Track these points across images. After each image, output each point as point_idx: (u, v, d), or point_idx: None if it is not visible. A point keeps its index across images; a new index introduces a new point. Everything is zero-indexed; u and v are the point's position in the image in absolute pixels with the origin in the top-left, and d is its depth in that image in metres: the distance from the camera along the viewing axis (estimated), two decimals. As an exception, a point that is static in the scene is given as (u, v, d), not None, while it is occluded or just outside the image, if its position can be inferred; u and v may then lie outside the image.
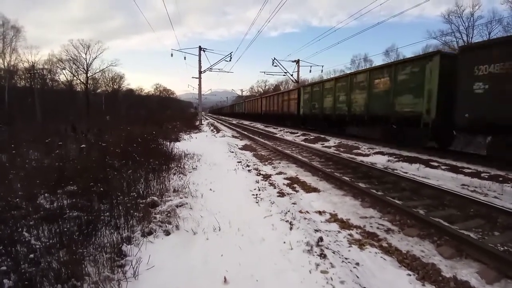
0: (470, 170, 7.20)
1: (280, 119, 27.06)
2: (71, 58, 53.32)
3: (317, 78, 46.59)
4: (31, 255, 2.69)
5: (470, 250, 3.32)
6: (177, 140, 13.59)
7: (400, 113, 11.00)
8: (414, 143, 10.44)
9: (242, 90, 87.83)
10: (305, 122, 21.00)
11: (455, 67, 8.71)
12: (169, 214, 4.07)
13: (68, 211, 3.74)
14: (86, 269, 2.62)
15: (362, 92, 13.34)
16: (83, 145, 7.28)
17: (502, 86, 7.40)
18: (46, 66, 50.47)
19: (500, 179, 6.40)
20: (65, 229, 3.22)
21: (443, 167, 7.71)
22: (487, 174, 6.77)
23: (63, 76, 54.54)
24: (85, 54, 54.73)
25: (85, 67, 55.32)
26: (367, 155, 10.10)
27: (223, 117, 70.85)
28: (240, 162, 8.63)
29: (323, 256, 3.06)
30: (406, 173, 7.35)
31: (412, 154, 9.52)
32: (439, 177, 7.02)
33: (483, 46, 8.21)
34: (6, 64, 43.16)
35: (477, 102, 8.02)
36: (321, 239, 3.41)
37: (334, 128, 16.97)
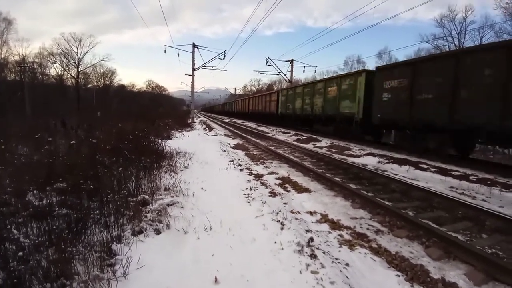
0: (458, 173, 7.30)
1: (263, 117, 30.34)
2: (62, 52, 52.57)
3: (310, 78, 47.08)
4: (20, 253, 2.66)
5: (458, 252, 3.38)
6: (169, 137, 13.51)
7: (343, 113, 14.48)
8: (352, 136, 13.87)
9: (235, 89, 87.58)
10: (282, 120, 24.25)
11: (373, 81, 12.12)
12: (160, 213, 4.05)
13: (57, 208, 3.70)
14: (75, 268, 2.60)
15: (320, 97, 16.91)
16: (73, 141, 7.19)
17: (398, 96, 10.55)
18: (36, 60, 49.65)
19: (488, 182, 6.51)
20: (54, 227, 3.18)
21: (432, 169, 7.82)
22: (476, 177, 6.88)
23: (54, 70, 53.74)
24: (77, 48, 54.01)
25: (76, 61, 54.60)
26: (358, 156, 10.18)
27: (216, 115, 70.67)
28: (232, 161, 8.62)
29: (313, 256, 3.08)
30: (396, 174, 7.43)
31: (402, 156, 9.62)
32: (428, 179, 7.11)
33: (389, 67, 11.92)
34: (-4, 56, 42.44)
35: (384, 107, 11.29)
36: (311, 239, 3.43)
37: (303, 125, 20.71)
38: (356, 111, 13.27)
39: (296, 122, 21.52)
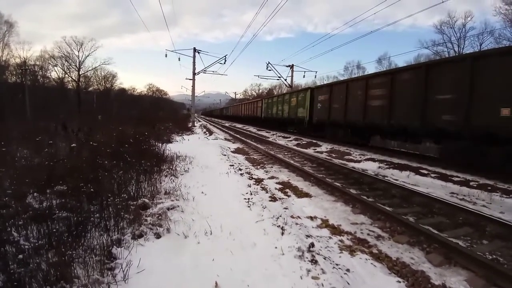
0: (459, 179, 7.30)
1: (252, 120, 36.91)
2: (63, 55, 52.77)
3: (310, 83, 47.37)
4: (20, 256, 2.65)
5: (459, 258, 3.37)
6: (169, 141, 13.52)
7: (299, 117, 20.45)
8: (305, 133, 19.58)
9: (235, 93, 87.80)
10: (264, 122, 30.14)
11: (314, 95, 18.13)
12: (160, 217, 4.04)
13: (57, 211, 3.69)
14: (75, 271, 2.59)
15: (287, 105, 22.97)
16: (73, 144, 7.19)
17: (326, 105, 16.29)
18: (38, 63, 49.81)
19: (489, 188, 6.50)
20: (54, 230, 3.17)
21: (432, 175, 7.82)
22: (476, 183, 6.88)
23: (55, 73, 53.89)
24: (78, 52, 54.23)
25: (78, 65, 54.79)
26: (359, 161, 10.18)
27: (216, 119, 71.03)
28: (233, 165, 8.62)
29: (314, 262, 3.07)
30: (396, 180, 7.42)
31: (403, 161, 9.62)
32: (429, 184, 7.10)
33: (320, 87, 18.52)
34: (-2, 59, 42.55)
35: (318, 112, 17.36)
36: (312, 244, 3.42)
37: (280, 126, 25.66)
38: (306, 115, 19.16)
39: (274, 124, 27.10)
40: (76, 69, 54.84)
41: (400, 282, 2.95)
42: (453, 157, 8.85)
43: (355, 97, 13.33)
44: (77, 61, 54.53)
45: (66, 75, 54.78)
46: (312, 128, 18.63)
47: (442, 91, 9.00)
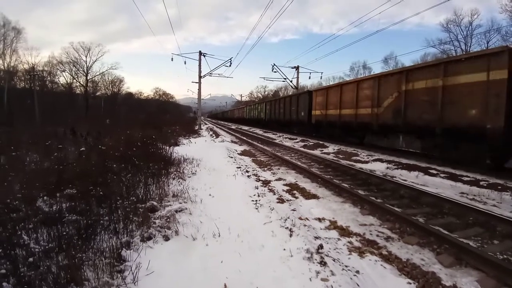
0: (469, 178, 7.21)
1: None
2: (71, 61, 53.54)
3: (316, 85, 47.44)
4: (30, 259, 2.68)
5: (469, 259, 3.32)
6: (177, 144, 13.59)
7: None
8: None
9: (241, 96, 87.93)
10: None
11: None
12: (168, 219, 4.06)
13: (67, 214, 3.73)
14: (85, 273, 2.61)
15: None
16: (82, 148, 7.27)
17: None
18: (46, 68, 50.60)
19: (499, 187, 6.41)
20: (64, 233, 3.21)
21: (442, 175, 7.73)
22: (486, 183, 6.78)
23: (63, 78, 54.72)
24: (85, 57, 54.99)
25: (85, 70, 55.50)
26: (366, 162, 10.11)
27: (222, 122, 71.43)
28: (240, 167, 8.62)
29: (323, 263, 3.05)
30: (405, 180, 7.36)
31: (411, 161, 9.53)
32: (438, 185, 7.03)
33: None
34: (6, 65, 43.23)
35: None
36: (321, 246, 3.40)
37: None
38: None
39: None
40: (84, 74, 55.59)
41: (410, 283, 2.91)
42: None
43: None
44: (85, 66, 55.34)
45: (74, 80, 55.61)
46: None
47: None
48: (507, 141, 7.62)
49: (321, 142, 15.53)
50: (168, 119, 30.39)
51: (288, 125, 25.25)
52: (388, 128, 11.87)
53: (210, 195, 5.55)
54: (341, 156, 11.59)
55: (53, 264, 2.66)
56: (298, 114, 21.88)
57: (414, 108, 10.21)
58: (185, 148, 12.12)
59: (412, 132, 10.85)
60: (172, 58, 28.71)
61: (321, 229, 4.24)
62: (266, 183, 6.86)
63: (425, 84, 9.74)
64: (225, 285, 2.65)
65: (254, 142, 16.84)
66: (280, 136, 21.56)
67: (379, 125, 12.22)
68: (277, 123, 27.93)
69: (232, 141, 18.49)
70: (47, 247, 2.98)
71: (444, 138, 9.20)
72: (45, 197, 4.37)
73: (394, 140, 14.25)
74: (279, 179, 7.50)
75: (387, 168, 9.03)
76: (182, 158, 8.89)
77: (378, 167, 9.15)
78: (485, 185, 6.67)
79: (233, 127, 42.44)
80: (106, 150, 6.98)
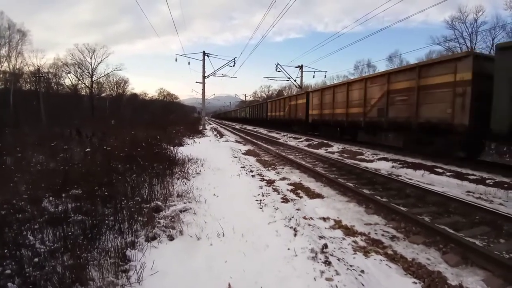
0: (475, 177, 7.15)
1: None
2: (76, 62, 53.94)
3: (320, 83, 47.43)
4: (36, 259, 2.70)
5: (475, 258, 3.29)
6: (181, 144, 13.61)
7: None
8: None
9: (245, 95, 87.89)
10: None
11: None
12: (173, 219, 4.06)
13: (72, 215, 3.75)
14: (90, 273, 2.62)
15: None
16: (88, 149, 7.31)
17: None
18: (51, 70, 51.02)
19: (505, 185, 6.35)
20: (70, 233, 3.23)
21: (447, 173, 7.67)
22: (492, 181, 6.72)
23: (68, 80, 55.13)
24: (90, 58, 55.35)
25: (90, 71, 55.86)
26: (371, 161, 10.07)
27: (226, 122, 71.73)
28: (244, 167, 8.62)
29: (327, 263, 3.04)
30: (410, 179, 7.31)
31: (417, 160, 9.48)
32: (444, 183, 6.97)
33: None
34: (11, 67, 43.55)
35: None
36: (325, 246, 3.39)
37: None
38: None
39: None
40: (89, 75, 55.98)
41: (416, 283, 2.89)
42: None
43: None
44: (90, 67, 55.69)
45: (79, 82, 55.98)
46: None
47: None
48: (473, 135, 8.88)
49: (325, 141, 15.50)
50: (172, 120, 30.47)
51: (288, 124, 25.92)
52: (375, 126, 13.07)
53: (214, 195, 5.55)
54: (345, 155, 11.55)
55: (58, 264, 2.67)
56: (297, 114, 22.87)
57: (395, 106, 11.42)
58: (190, 148, 12.14)
59: (394, 129, 12.17)
60: (176, 59, 28.77)
61: (325, 228, 4.23)
62: (270, 182, 6.85)
63: (403, 85, 10.94)
64: (229, 285, 2.65)
65: (258, 142, 16.84)
66: (284, 136, 21.56)
67: (366, 122, 13.34)
68: (278, 122, 28.77)
69: (236, 141, 18.50)
70: (52, 247, 3.00)
71: (420, 133, 10.37)
72: (50, 198, 4.39)
73: (381, 137, 15.16)
74: (284, 178, 7.48)
75: (392, 167, 8.98)
76: (187, 158, 8.90)
77: (383, 166, 9.10)
78: (491, 183, 6.61)
79: (237, 127, 42.55)
80: (111, 151, 7.01)
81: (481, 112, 8.01)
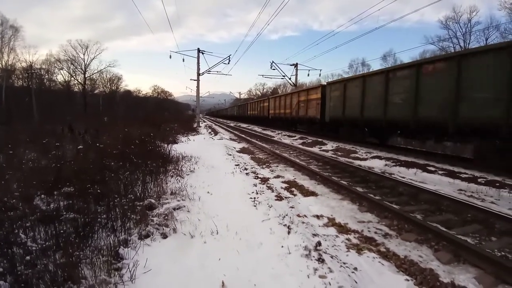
0: (467, 175, 7.23)
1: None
2: (69, 59, 53.32)
3: (315, 82, 47.48)
4: (27, 257, 2.67)
5: (467, 256, 3.32)
6: (175, 142, 13.56)
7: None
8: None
9: (240, 93, 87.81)
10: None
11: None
12: (166, 217, 4.05)
13: (64, 212, 3.71)
14: (82, 272, 2.60)
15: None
16: (80, 146, 7.24)
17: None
18: (44, 66, 50.38)
19: (497, 184, 6.42)
20: (62, 231, 3.19)
21: (440, 172, 7.74)
22: (484, 179, 6.80)
23: (61, 76, 54.51)
24: (83, 55, 54.76)
25: (83, 68, 55.30)
26: (365, 159, 10.12)
27: (221, 120, 71.55)
28: (238, 165, 8.61)
29: (321, 260, 3.05)
30: (403, 177, 7.36)
31: (410, 159, 9.55)
32: (436, 182, 7.04)
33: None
34: (3, 63, 42.97)
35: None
36: (319, 243, 3.40)
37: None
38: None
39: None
40: (82, 72, 55.40)
41: (408, 280, 2.91)
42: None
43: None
44: (83, 64, 55.10)
45: (72, 78, 55.43)
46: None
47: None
48: (321, 123, 17.53)
49: (319, 140, 15.54)
50: (166, 117, 30.33)
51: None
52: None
53: (208, 192, 5.54)
54: (339, 153, 11.59)
55: (50, 262, 2.64)
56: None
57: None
58: (184, 146, 12.11)
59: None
60: (170, 56, 28.67)
61: (319, 226, 4.24)
62: (264, 180, 6.85)
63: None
64: (222, 283, 2.65)
65: (252, 140, 16.83)
66: (279, 134, 21.57)
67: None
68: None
69: (230, 139, 18.46)
70: (44, 245, 2.97)
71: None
72: (42, 195, 4.34)
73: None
74: (278, 176, 7.49)
75: (386, 165, 9.04)
76: (181, 156, 8.88)
77: (377, 164, 9.16)
78: (483, 182, 6.68)
79: (231, 124, 42.44)
80: (104, 148, 6.95)
81: (322, 111, 16.51)
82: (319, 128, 18.58)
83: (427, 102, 9.63)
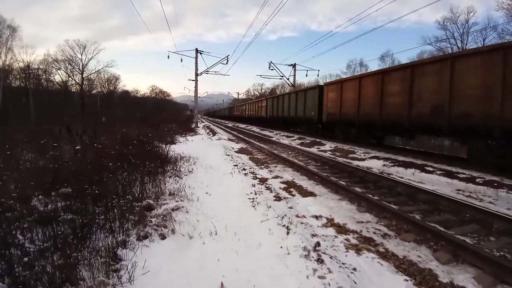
0: (465, 175, 7.24)
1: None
2: (66, 59, 53.34)
3: (313, 82, 47.52)
4: (25, 259, 2.65)
5: (466, 256, 3.33)
6: (173, 142, 13.53)
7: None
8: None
9: (238, 93, 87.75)
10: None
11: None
12: (165, 218, 4.03)
13: (62, 213, 3.69)
14: (80, 273, 2.58)
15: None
16: (78, 147, 7.21)
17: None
18: (41, 66, 50.33)
19: (495, 184, 6.44)
20: (60, 232, 3.17)
21: (438, 172, 7.75)
22: (482, 179, 6.81)
23: (58, 76, 54.47)
24: (81, 55, 54.81)
25: (81, 68, 55.26)
26: (363, 160, 10.13)
27: (219, 120, 71.57)
28: (236, 165, 8.61)
29: (320, 261, 3.05)
30: (401, 178, 7.37)
31: (408, 159, 9.56)
32: (434, 182, 7.05)
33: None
34: (1, 63, 42.81)
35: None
36: (318, 244, 3.40)
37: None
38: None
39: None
40: (80, 72, 55.42)
41: (407, 280, 2.91)
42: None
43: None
44: (80, 64, 55.10)
45: (70, 78, 55.41)
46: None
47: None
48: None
49: (318, 140, 15.55)
50: (164, 117, 30.29)
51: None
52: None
53: (207, 193, 5.53)
54: (338, 154, 11.60)
55: (48, 263, 2.63)
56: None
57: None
58: (182, 146, 12.09)
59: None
60: (168, 56, 28.63)
61: (318, 226, 4.24)
62: (263, 181, 6.85)
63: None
64: (222, 284, 2.64)
65: (251, 140, 16.83)
66: (277, 134, 21.56)
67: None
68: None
69: (229, 139, 18.45)
70: (42, 246, 2.95)
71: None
72: (40, 196, 4.32)
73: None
74: (276, 176, 7.48)
75: (384, 165, 9.05)
76: (179, 156, 8.86)
77: (375, 165, 9.17)
78: (481, 182, 6.70)
79: (230, 125, 42.44)
80: (102, 149, 6.92)
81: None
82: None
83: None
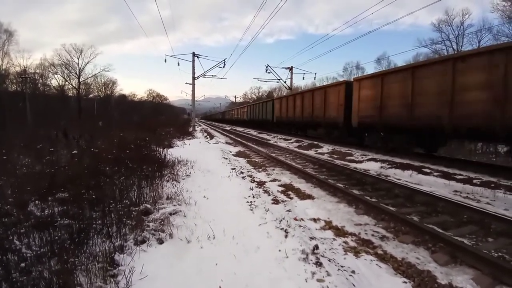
0: (462, 177, 7.26)
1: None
2: (63, 63, 53.17)
3: (310, 85, 47.63)
4: (22, 264, 2.64)
5: (464, 257, 3.33)
6: (170, 146, 13.51)
7: (328, 119, 16.73)
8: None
9: (235, 97, 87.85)
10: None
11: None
12: (162, 222, 4.02)
13: (59, 218, 3.67)
14: (78, 279, 2.57)
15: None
16: (74, 151, 7.18)
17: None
18: (38, 71, 50.17)
19: (492, 185, 6.46)
20: (56, 238, 3.16)
21: (435, 173, 7.77)
22: (479, 181, 6.84)
23: (55, 80, 54.26)
24: (78, 59, 54.67)
25: (78, 72, 55.12)
26: (360, 162, 10.15)
27: (216, 123, 71.63)
28: (234, 169, 8.59)
29: (318, 264, 3.04)
30: (399, 179, 7.39)
31: (405, 161, 9.58)
32: (432, 183, 7.06)
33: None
34: (-2, 68, 42.70)
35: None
36: (316, 247, 3.39)
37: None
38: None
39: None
40: (76, 76, 55.26)
41: (406, 282, 2.91)
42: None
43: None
44: (77, 68, 54.97)
45: (66, 83, 55.25)
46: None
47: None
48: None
49: (315, 143, 15.58)
50: (162, 121, 30.26)
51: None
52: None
53: (204, 197, 5.51)
54: (335, 156, 11.62)
55: (45, 269, 2.61)
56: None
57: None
58: (179, 150, 12.07)
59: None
60: (165, 60, 28.73)
61: (316, 229, 4.23)
62: (261, 184, 6.84)
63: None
64: (220, 288, 2.63)
65: (248, 143, 16.81)
66: (274, 137, 21.57)
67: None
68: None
69: (226, 143, 18.43)
70: (39, 252, 2.93)
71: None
72: (37, 201, 4.29)
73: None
74: (274, 179, 7.48)
75: (381, 167, 9.07)
76: (176, 160, 8.84)
77: (372, 167, 9.19)
78: (478, 183, 6.72)
79: (227, 128, 42.46)
80: (98, 153, 6.91)
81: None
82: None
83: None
